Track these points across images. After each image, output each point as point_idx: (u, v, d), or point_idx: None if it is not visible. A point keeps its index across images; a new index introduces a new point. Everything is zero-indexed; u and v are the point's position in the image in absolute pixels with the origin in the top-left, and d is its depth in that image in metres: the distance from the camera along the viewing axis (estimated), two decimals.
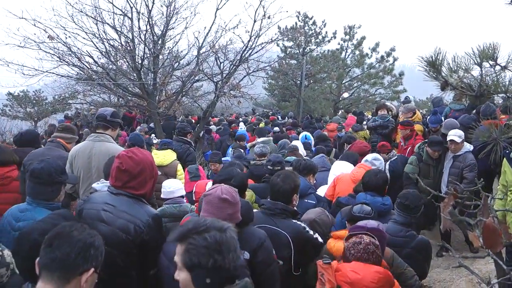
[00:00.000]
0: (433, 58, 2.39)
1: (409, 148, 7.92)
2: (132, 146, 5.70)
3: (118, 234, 2.61)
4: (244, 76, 14.90)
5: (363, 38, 24.86)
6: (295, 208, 3.48)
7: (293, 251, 3.19)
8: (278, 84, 26.83)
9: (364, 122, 12.16)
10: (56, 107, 18.08)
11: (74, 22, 12.33)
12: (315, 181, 5.19)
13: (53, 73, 12.70)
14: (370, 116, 15.07)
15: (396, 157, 7.12)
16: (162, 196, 4.56)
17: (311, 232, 3.35)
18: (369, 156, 5.97)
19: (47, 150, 4.92)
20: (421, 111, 10.64)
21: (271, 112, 23.85)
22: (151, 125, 14.45)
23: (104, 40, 13.10)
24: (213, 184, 3.44)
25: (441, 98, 9.46)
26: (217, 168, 6.82)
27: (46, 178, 3.02)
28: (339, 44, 25.41)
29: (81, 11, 12.37)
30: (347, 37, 25.10)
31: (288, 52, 24.27)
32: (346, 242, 2.85)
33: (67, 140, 5.24)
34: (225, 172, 3.69)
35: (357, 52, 25.16)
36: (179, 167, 6.34)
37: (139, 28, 13.14)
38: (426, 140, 6.84)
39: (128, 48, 13.26)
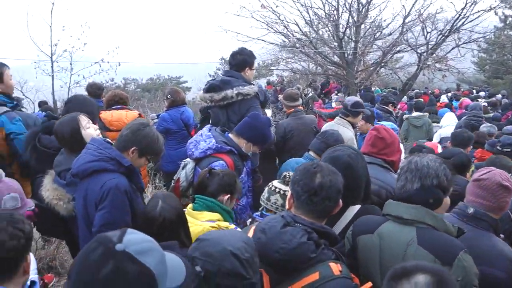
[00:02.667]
0: None
1: None
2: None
3: (371, 199, 2.98)
4: (453, 48, 13.68)
5: None
6: None
7: None
8: (491, 59, 23.74)
9: None
10: (261, 72, 19.64)
11: None
12: None
13: (262, 40, 13.74)
14: None
15: None
16: None
17: None
18: None
19: (297, 119, 5.74)
20: None
21: (475, 88, 21.39)
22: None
23: (309, 8, 13.51)
24: None
25: None
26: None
27: (331, 141, 3.89)
28: None
29: None
30: None
31: (508, 22, 21.14)
32: None
33: None
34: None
35: None
36: None
37: None
38: None
39: (332, 17, 13.41)
